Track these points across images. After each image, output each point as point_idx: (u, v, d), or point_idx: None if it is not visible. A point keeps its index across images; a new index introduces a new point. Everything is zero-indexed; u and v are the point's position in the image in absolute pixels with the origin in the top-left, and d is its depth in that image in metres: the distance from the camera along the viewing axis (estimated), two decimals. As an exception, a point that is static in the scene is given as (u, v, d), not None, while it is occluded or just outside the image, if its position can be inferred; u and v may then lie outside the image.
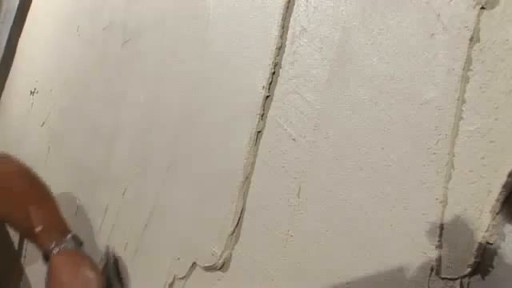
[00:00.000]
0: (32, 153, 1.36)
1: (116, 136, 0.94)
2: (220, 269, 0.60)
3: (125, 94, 0.93)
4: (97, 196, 0.96)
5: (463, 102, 0.38)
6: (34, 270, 1.15)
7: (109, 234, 0.88)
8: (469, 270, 0.35)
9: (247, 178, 0.59)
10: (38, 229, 0.66)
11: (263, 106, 0.59)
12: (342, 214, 0.47)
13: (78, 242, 0.72)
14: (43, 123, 1.34)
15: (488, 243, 0.34)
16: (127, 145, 0.89)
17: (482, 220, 0.35)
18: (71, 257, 0.67)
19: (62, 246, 0.68)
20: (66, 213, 1.08)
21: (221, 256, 0.59)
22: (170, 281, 0.68)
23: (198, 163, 0.69)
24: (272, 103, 0.59)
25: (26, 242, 1.26)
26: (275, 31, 0.60)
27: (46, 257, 0.69)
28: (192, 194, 0.68)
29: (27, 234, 0.69)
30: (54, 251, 0.67)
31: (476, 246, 0.35)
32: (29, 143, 1.42)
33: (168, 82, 0.79)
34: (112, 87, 0.98)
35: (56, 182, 1.22)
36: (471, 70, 0.38)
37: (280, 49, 0.59)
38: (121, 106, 0.95)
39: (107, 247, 0.85)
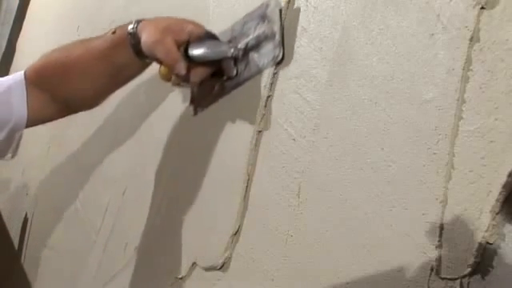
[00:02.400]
0: (32, 152, 1.36)
1: (116, 138, 0.94)
2: (220, 269, 0.60)
3: (124, 92, 0.93)
4: (97, 195, 0.96)
5: (463, 101, 0.38)
6: (34, 269, 1.15)
7: (109, 234, 0.88)
8: (469, 269, 0.35)
9: (248, 178, 0.59)
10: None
11: (265, 105, 0.59)
12: (341, 214, 0.47)
13: None
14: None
15: (488, 243, 0.34)
16: (127, 147, 0.89)
17: (481, 220, 0.35)
18: (155, 20, 0.55)
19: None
20: (67, 212, 1.09)
21: (221, 256, 0.60)
22: (171, 281, 0.68)
23: (199, 163, 0.69)
24: (273, 103, 0.59)
25: (25, 241, 1.26)
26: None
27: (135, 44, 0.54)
28: (194, 194, 0.68)
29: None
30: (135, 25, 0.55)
31: (476, 245, 0.35)
32: (29, 142, 1.43)
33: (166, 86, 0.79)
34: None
35: (56, 181, 1.22)
36: (471, 69, 0.38)
37: (281, 49, 0.59)
38: (121, 105, 0.95)
39: None
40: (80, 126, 1.11)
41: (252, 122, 0.60)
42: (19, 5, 1.94)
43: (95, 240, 0.92)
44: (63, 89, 0.63)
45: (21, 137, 0.66)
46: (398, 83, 0.44)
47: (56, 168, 1.21)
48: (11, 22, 1.96)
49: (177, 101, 0.77)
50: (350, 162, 0.47)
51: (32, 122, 0.63)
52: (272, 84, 0.59)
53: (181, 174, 0.73)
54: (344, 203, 0.47)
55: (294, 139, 0.54)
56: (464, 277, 0.35)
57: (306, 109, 0.54)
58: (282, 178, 0.55)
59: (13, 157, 0.67)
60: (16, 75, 0.63)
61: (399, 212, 0.41)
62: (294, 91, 0.56)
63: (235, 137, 0.63)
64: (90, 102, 0.67)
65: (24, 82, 0.62)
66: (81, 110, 0.70)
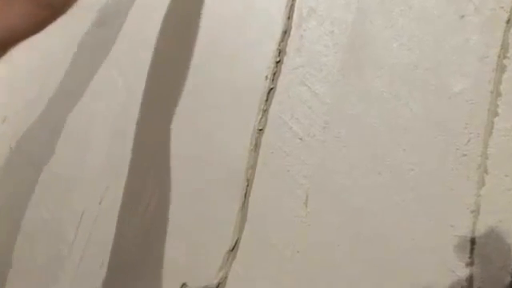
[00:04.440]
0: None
1: (90, 133, 0.94)
2: (214, 290, 0.60)
3: (99, 82, 0.93)
4: (69, 203, 0.96)
5: (498, 94, 0.38)
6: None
7: (83, 248, 0.88)
8: (504, 290, 0.36)
9: (248, 184, 0.60)
10: None
11: (266, 99, 0.59)
12: (356, 226, 0.47)
13: None
14: (4, 119, 1.34)
15: (527, 260, 0.35)
16: (104, 144, 0.89)
17: (519, 233, 0.35)
18: None
19: None
20: (31, 224, 1.08)
21: (215, 276, 0.60)
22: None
23: (191, 166, 0.69)
24: (275, 97, 0.59)
25: None
26: (280, 12, 0.60)
27: None
28: (184, 202, 0.68)
29: None
30: None
31: (513, 263, 0.35)
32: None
33: (153, 69, 0.80)
34: (85, 75, 0.98)
35: (19, 187, 1.22)
36: (508, 57, 0.38)
37: (285, 33, 0.59)
38: (95, 97, 0.95)
39: None
40: (47, 121, 1.11)
41: (251, 119, 0.61)
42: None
43: (67, 256, 0.92)
44: None
45: None
46: (423, 73, 0.45)
47: (19, 171, 1.21)
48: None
49: (163, 91, 0.77)
50: (365, 165, 0.48)
51: None
52: (275, 74, 0.59)
53: (168, 179, 0.73)
54: (359, 213, 0.47)
55: (300, 138, 0.55)
56: (499, 299, 0.36)
57: (314, 103, 0.54)
58: (286, 183, 0.55)
59: None
60: None
61: (423, 223, 0.42)
62: (300, 82, 0.56)
63: (232, 136, 0.63)
64: None
65: None
66: None
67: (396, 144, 0.46)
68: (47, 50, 1.20)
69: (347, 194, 0.49)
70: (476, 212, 0.39)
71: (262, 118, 0.60)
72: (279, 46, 0.59)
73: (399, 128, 0.45)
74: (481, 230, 0.38)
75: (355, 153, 0.49)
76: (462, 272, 0.39)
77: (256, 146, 0.60)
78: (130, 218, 0.79)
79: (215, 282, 0.61)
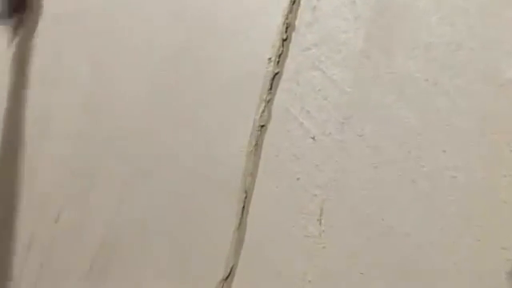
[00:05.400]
0: None
1: (44, 133, 0.94)
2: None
3: (58, 69, 0.93)
4: (16, 224, 0.96)
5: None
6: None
7: (35, 280, 0.88)
8: None
9: (246, 196, 0.60)
10: None
11: (270, 87, 0.60)
12: (384, 250, 0.48)
13: None
14: None
15: None
16: (62, 146, 0.89)
17: None
18: None
19: None
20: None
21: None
22: None
23: (174, 173, 0.69)
24: (282, 84, 0.60)
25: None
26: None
27: None
28: (165, 218, 0.68)
29: None
30: None
31: None
32: None
33: (129, 52, 0.80)
34: (38, 59, 0.98)
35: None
36: None
37: (294, 3, 0.60)
38: (51, 88, 0.95)
39: None
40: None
41: (251, 113, 0.61)
42: None
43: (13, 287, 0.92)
44: None
45: None
46: (467, 54, 0.45)
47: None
48: None
49: (142, 79, 0.77)
50: (395, 170, 0.48)
51: None
52: (281, 56, 0.60)
53: (147, 189, 0.73)
54: (388, 232, 0.48)
55: (313, 137, 0.55)
56: None
57: (331, 92, 0.54)
58: (295, 194, 0.55)
59: None
60: None
61: (468, 245, 0.42)
62: (312, 66, 0.57)
63: (225, 135, 0.64)
64: None
65: None
66: None
67: (434, 144, 0.46)
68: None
69: (372, 208, 0.49)
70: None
71: (263, 111, 0.60)
72: (286, 19, 0.60)
73: (438, 123, 0.46)
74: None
75: (382, 155, 0.49)
76: (517, 305, 0.39)
77: (256, 147, 0.60)
78: (95, 239, 0.79)
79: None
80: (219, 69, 0.66)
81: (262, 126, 0.60)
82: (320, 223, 0.53)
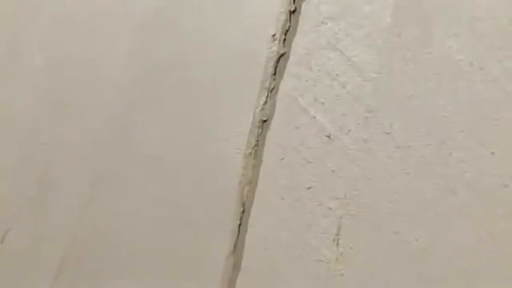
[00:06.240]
0: None
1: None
2: None
3: (15, 55, 0.94)
4: None
5: None
6: None
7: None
8: None
9: (243, 209, 0.60)
10: None
11: (274, 72, 0.60)
12: (417, 277, 0.48)
13: None
14: None
15: None
16: (15, 146, 0.90)
17: None
18: None
19: None
20: None
21: None
22: None
23: (153, 179, 0.69)
24: (289, 68, 0.59)
25: None
26: None
27: None
28: (142, 234, 0.68)
29: None
30: None
31: None
32: None
33: (100, 31, 0.80)
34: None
35: None
36: None
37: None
38: (6, 77, 0.95)
39: None
40: None
41: (250, 104, 0.61)
42: None
43: None
44: None
45: None
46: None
47: None
48: None
49: (114, 64, 0.78)
50: (431, 178, 0.48)
51: None
52: (287, 32, 0.60)
53: (119, 197, 0.73)
54: (422, 255, 0.48)
55: (328, 136, 0.55)
56: None
57: (351, 79, 0.55)
58: (305, 208, 0.56)
59: None
60: None
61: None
62: (327, 45, 0.57)
63: (218, 132, 0.64)
64: None
65: None
66: None
67: (480, 145, 0.46)
68: None
69: (402, 226, 0.49)
70: None
71: (266, 102, 0.60)
72: (295, -13, 0.60)
73: (485, 119, 0.46)
74: None
75: (414, 158, 0.50)
76: None
77: (256, 148, 0.60)
78: (53, 257, 0.80)
79: None
80: (210, 49, 0.66)
81: (264, 121, 0.60)
82: (337, 244, 0.53)
